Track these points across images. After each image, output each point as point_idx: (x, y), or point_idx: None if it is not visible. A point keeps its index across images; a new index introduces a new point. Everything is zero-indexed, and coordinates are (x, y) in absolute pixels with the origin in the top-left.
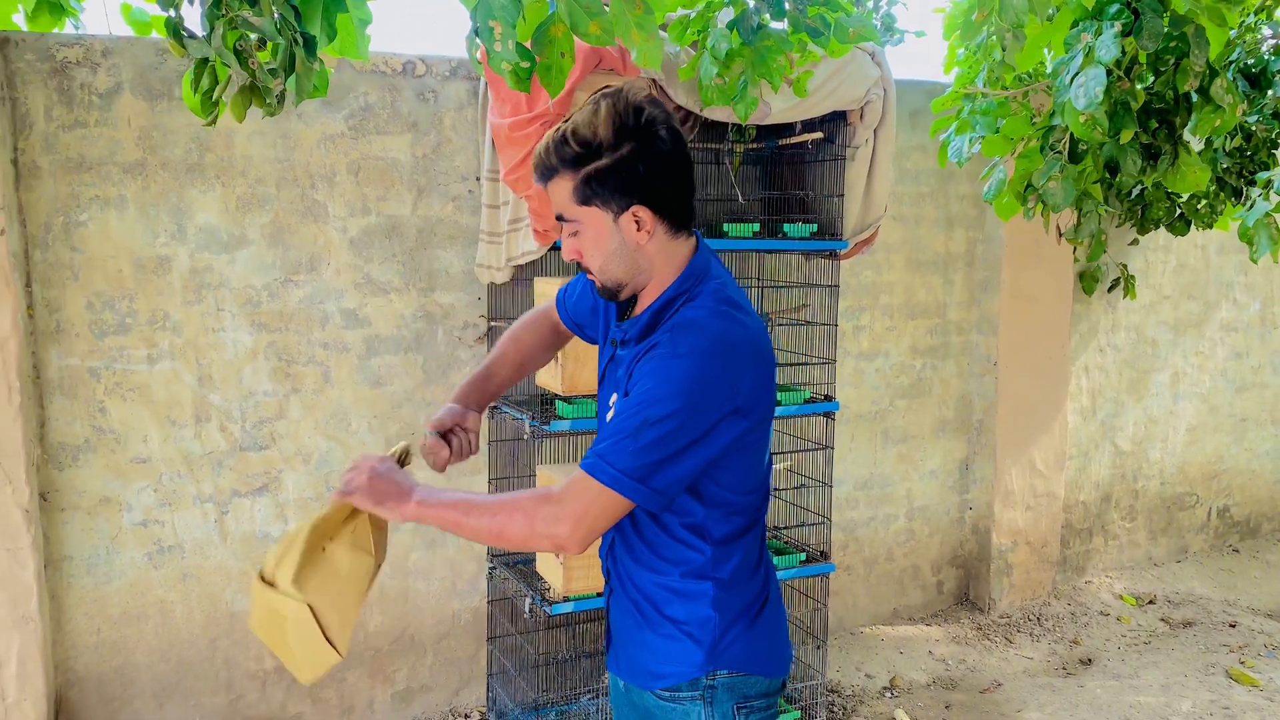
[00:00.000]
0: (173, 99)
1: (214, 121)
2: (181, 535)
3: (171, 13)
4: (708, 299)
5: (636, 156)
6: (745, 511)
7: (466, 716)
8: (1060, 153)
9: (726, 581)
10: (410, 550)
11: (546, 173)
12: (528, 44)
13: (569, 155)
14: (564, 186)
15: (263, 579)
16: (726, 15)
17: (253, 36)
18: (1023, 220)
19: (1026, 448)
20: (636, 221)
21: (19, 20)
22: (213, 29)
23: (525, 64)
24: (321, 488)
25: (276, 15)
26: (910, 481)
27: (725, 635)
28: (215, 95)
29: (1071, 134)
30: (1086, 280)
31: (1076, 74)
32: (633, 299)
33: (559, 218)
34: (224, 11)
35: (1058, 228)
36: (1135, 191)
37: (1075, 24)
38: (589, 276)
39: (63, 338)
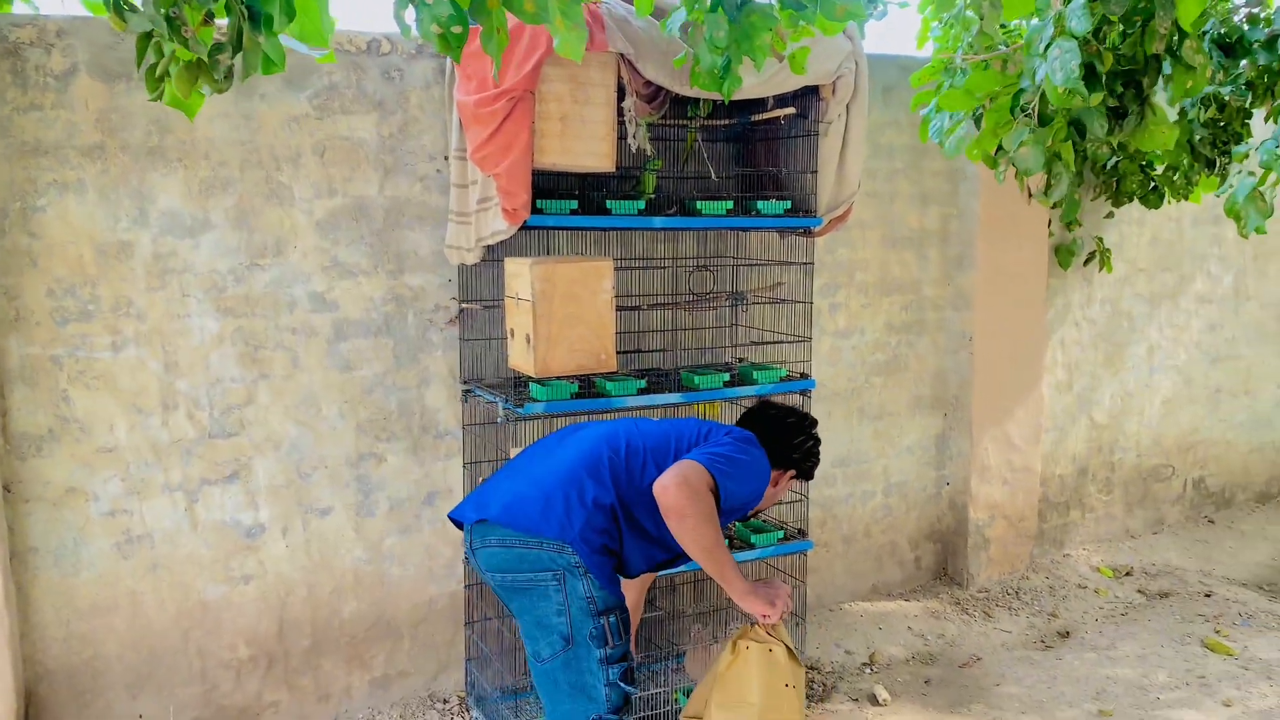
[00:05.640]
0: (131, 80)
1: (160, 97)
2: (151, 525)
3: None
4: None
5: None
6: None
7: (445, 701)
8: (1030, 115)
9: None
10: (385, 535)
11: None
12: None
13: None
14: None
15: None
16: None
17: (192, 6)
18: (997, 195)
19: (1003, 422)
20: None
21: None
22: None
23: (457, 29)
24: (292, 474)
25: None
26: (887, 458)
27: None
28: (159, 70)
29: (1041, 95)
30: (1062, 254)
31: (1049, 44)
32: None
33: None
34: None
35: (1028, 190)
36: (1110, 164)
37: None
38: None
39: (23, 326)
